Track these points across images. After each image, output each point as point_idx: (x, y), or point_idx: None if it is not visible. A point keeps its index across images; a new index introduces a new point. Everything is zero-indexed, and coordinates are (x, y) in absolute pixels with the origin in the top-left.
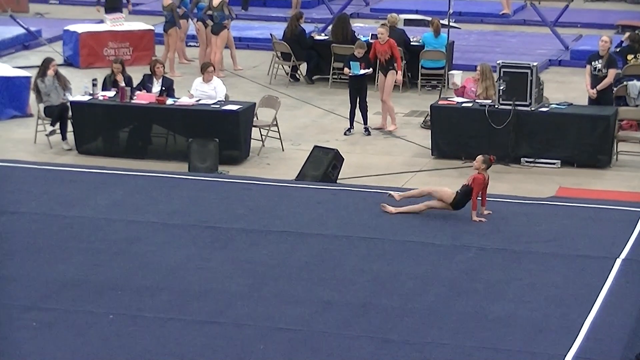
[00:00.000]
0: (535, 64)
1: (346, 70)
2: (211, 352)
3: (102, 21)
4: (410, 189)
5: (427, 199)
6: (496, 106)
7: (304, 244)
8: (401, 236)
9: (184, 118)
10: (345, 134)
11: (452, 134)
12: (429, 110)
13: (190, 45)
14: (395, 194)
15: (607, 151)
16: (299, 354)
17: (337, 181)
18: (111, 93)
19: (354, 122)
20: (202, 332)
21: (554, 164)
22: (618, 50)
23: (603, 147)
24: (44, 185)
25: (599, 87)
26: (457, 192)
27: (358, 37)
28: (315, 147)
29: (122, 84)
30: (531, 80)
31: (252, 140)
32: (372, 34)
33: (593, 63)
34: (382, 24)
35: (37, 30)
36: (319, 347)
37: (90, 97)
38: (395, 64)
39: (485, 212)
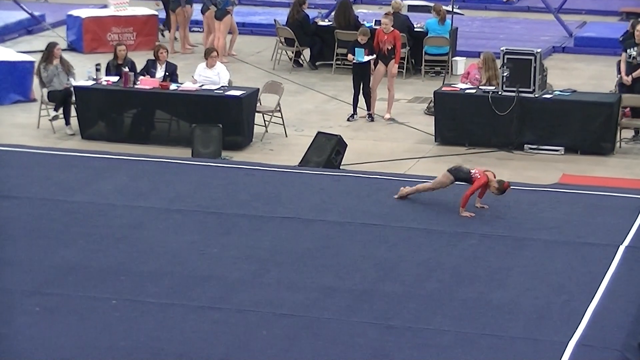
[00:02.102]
0: (539, 50)
1: (350, 56)
2: (214, 338)
3: (105, 6)
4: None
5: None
6: (500, 93)
7: (307, 230)
8: (404, 223)
9: (188, 103)
10: (348, 120)
11: (455, 120)
12: (432, 96)
13: (193, 31)
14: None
15: (611, 138)
16: (301, 340)
17: (341, 167)
18: (115, 78)
19: (358, 108)
20: (204, 317)
21: (557, 150)
22: (621, 39)
23: (606, 134)
24: (47, 170)
25: (634, 74)
26: (451, 172)
27: (362, 23)
28: (319, 133)
29: (126, 69)
30: (535, 67)
31: (255, 125)
32: (375, 20)
33: (628, 50)
34: (386, 13)
35: (40, 15)
36: (322, 333)
37: (94, 82)
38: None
39: (479, 205)
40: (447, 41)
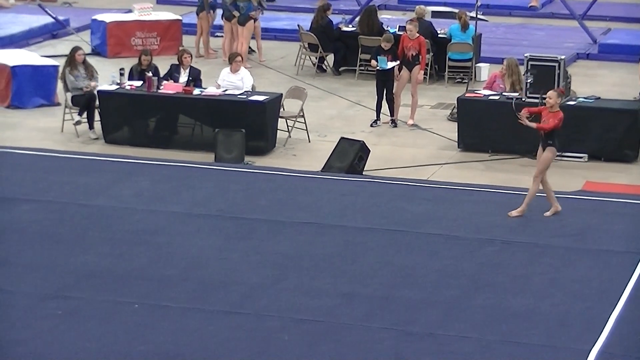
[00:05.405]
0: (562, 57)
1: (373, 63)
2: (233, 343)
3: (129, 11)
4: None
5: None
6: (523, 99)
7: (328, 235)
8: (425, 229)
9: (211, 108)
10: (371, 125)
11: (478, 126)
12: (455, 102)
13: (216, 36)
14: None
15: (634, 145)
16: (321, 345)
17: (363, 173)
18: (138, 83)
19: (381, 114)
20: (224, 322)
21: (580, 157)
22: None
23: (630, 142)
24: (69, 174)
25: None
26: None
27: (386, 29)
28: (342, 138)
29: (149, 73)
30: (559, 74)
31: (278, 131)
32: (399, 26)
33: None
34: (411, 19)
35: (65, 20)
36: (341, 338)
37: (118, 86)
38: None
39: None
40: (471, 47)
